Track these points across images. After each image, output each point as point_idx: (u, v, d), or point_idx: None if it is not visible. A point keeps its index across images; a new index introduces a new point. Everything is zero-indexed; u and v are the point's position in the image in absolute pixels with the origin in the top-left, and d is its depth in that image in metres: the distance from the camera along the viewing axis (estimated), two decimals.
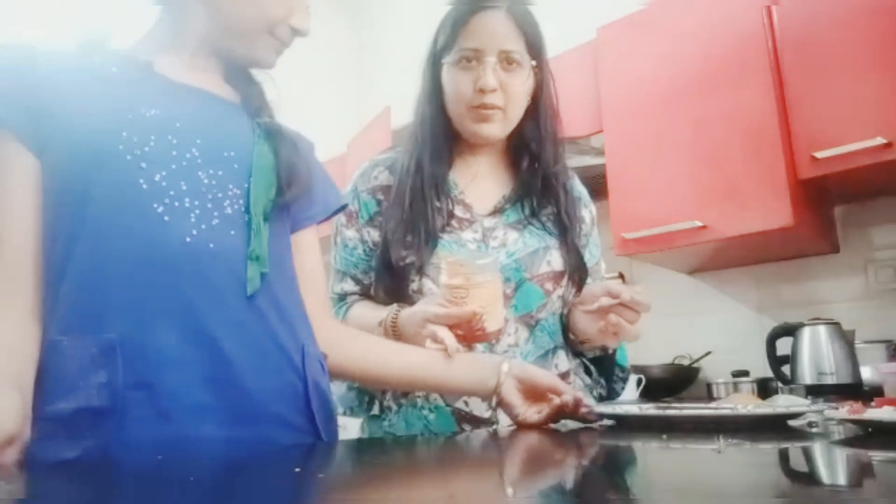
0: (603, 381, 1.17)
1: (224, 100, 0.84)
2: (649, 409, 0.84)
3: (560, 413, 0.86)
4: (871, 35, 1.75)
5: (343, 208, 0.99)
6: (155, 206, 0.70)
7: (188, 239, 0.71)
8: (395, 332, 0.99)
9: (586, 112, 2.31)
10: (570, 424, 0.88)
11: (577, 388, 1.11)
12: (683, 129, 2.05)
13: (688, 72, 2.07)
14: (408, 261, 1.01)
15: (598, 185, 2.19)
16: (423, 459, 0.72)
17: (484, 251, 1.04)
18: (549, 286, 1.06)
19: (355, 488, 0.52)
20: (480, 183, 1.11)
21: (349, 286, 1.12)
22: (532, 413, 0.87)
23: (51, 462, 0.65)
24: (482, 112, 1.02)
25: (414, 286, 1.03)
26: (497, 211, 1.09)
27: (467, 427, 1.01)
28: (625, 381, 1.15)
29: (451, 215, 1.06)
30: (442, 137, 1.07)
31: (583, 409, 0.84)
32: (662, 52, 2.14)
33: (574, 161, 2.30)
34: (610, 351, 1.11)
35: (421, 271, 1.02)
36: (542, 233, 1.08)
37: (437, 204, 1.04)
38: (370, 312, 1.05)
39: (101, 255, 0.69)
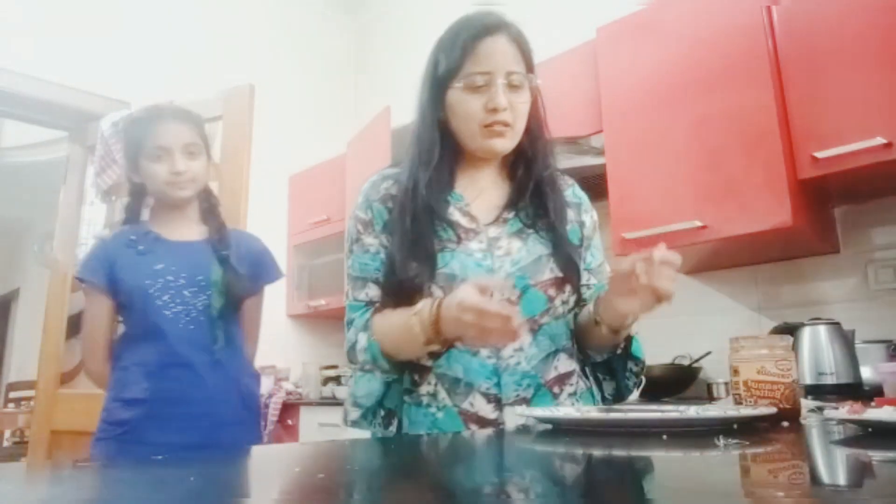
0: (609, 381, 1.18)
1: (197, 242, 1.62)
2: (589, 412, 0.86)
3: None
4: (871, 35, 1.75)
5: (276, 279, 1.74)
6: (165, 312, 1.53)
7: (181, 325, 1.54)
8: (435, 319, 0.98)
9: (586, 112, 2.31)
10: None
11: (580, 390, 1.12)
12: (683, 129, 2.05)
13: (688, 72, 2.07)
14: (415, 279, 1.06)
15: (598, 185, 2.19)
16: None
17: (489, 259, 1.08)
18: (551, 292, 1.10)
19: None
20: (485, 195, 1.17)
21: (373, 291, 1.12)
22: None
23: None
24: (495, 129, 1.10)
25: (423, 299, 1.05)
26: (499, 220, 1.14)
27: (474, 427, 1.02)
28: (639, 374, 1.14)
29: (457, 226, 1.11)
30: (442, 159, 1.13)
31: None
32: (662, 52, 2.14)
33: (574, 161, 2.30)
34: (623, 345, 1.11)
35: (429, 286, 1.06)
36: (543, 241, 1.13)
37: (435, 226, 1.10)
38: (397, 312, 1.06)
39: (140, 335, 1.56)
